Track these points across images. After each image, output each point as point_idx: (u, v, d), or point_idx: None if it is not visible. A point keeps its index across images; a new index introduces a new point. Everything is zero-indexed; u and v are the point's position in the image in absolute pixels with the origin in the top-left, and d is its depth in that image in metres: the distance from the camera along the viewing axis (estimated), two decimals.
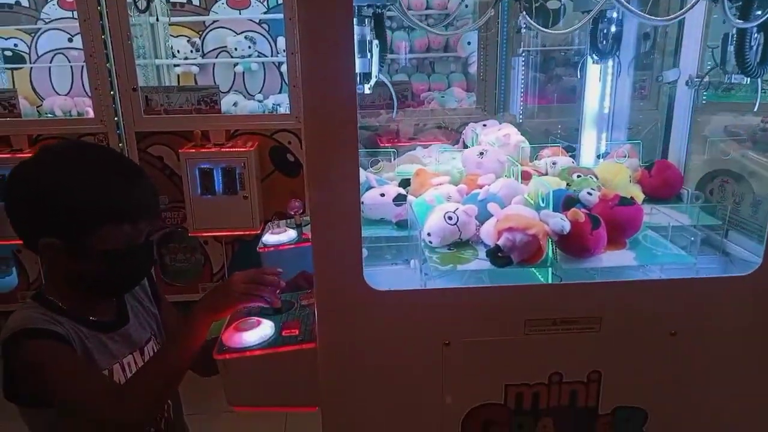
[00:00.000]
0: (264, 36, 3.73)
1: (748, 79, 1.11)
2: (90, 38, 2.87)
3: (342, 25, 0.91)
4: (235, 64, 3.73)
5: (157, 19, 3.48)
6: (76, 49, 3.42)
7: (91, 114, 3.07)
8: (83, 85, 3.49)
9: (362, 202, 1.25)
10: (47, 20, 3.55)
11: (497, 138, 1.50)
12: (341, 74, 0.94)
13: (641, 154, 1.57)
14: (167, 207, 3.15)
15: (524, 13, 1.49)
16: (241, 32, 3.70)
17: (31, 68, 3.62)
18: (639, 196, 1.33)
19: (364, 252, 1.03)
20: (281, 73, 3.78)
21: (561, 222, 1.07)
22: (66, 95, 3.57)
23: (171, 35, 3.63)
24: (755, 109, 1.19)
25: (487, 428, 1.12)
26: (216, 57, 3.74)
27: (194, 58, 3.67)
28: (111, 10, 2.82)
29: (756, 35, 1.08)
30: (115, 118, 2.99)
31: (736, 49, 1.07)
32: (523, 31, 2.54)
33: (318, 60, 0.93)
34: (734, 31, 1.09)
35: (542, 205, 1.17)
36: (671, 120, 1.67)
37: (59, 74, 3.62)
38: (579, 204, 1.18)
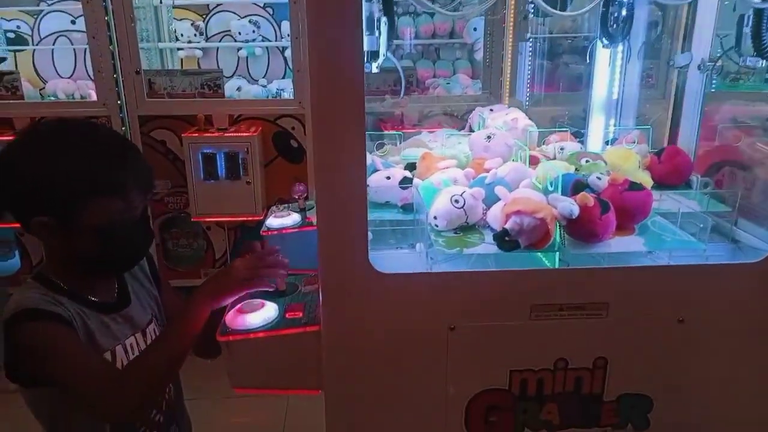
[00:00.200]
0: (268, 20, 3.69)
1: (764, 62, 1.09)
2: (93, 20, 2.84)
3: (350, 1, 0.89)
4: (239, 49, 3.70)
5: (161, 2, 3.45)
6: (79, 31, 3.39)
7: (94, 97, 3.05)
8: (86, 68, 3.46)
9: (367, 185, 1.24)
10: (50, 2, 3.52)
11: (505, 122, 1.48)
12: (349, 54, 0.92)
13: (650, 141, 1.55)
14: (170, 192, 3.13)
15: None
16: (245, 16, 3.67)
17: (34, 50, 3.59)
18: (648, 182, 1.31)
19: (369, 235, 1.02)
20: (285, 58, 3.75)
21: (570, 206, 1.05)
22: (69, 78, 3.55)
23: (174, 18, 3.60)
24: None
25: (491, 414, 1.12)
26: (220, 41, 3.71)
27: (198, 42, 3.63)
28: None
29: None
30: (118, 102, 2.96)
31: (753, 31, 1.04)
32: (531, 16, 2.50)
33: (326, 39, 0.92)
34: (751, 12, 1.06)
35: (551, 189, 1.15)
36: (678, 109, 1.64)
37: (62, 57, 3.59)
38: (588, 188, 1.16)
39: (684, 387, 1.12)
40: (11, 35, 3.54)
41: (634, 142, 1.48)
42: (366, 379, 1.08)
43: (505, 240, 1.07)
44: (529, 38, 2.46)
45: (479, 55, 3.54)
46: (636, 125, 1.71)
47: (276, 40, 3.71)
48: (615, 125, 1.72)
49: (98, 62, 2.89)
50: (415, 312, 1.05)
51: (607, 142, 1.66)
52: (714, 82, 1.50)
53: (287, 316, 1.09)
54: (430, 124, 3.07)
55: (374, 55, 1.16)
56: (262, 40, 3.68)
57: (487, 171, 1.27)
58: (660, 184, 1.36)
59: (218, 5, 3.62)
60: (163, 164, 3.07)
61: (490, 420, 1.11)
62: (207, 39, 3.69)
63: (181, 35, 3.60)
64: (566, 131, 1.57)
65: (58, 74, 3.58)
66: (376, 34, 1.14)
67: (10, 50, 3.53)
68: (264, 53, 3.76)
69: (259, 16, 3.68)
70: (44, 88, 3.48)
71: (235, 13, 3.67)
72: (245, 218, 3.08)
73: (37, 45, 3.58)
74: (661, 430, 1.14)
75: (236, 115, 3.05)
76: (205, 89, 3.01)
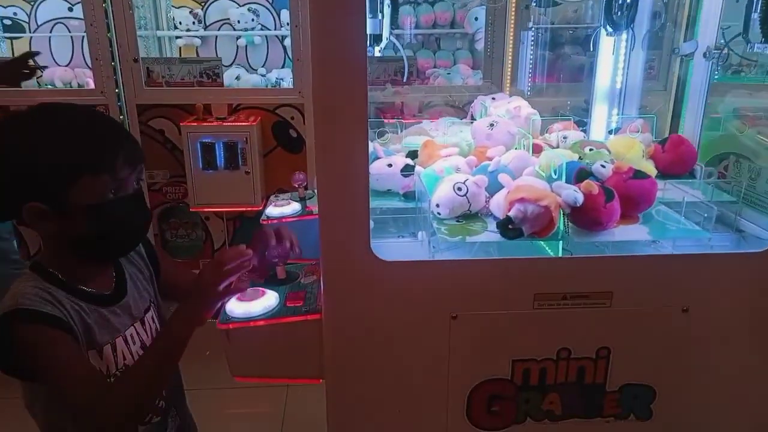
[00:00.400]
0: (267, 8, 3.65)
1: None
2: (91, 7, 2.80)
3: None
4: (238, 37, 3.66)
5: None
6: (77, 18, 3.35)
7: (92, 85, 3.02)
8: (84, 56, 3.43)
9: (369, 173, 1.22)
10: None
11: (507, 110, 1.47)
12: (352, 39, 0.90)
13: (654, 130, 1.53)
14: (168, 181, 3.11)
15: None
16: (244, 4, 3.62)
17: (31, 38, 3.55)
18: (652, 171, 1.30)
19: (371, 224, 1.01)
20: (284, 47, 3.72)
21: (574, 194, 1.04)
22: (66, 66, 3.51)
23: (173, 6, 3.56)
24: None
25: (493, 403, 1.11)
26: (218, 29, 3.67)
27: (196, 30, 3.60)
28: None
29: None
30: (116, 90, 2.94)
31: (762, 17, 1.03)
32: (533, 4, 2.48)
33: (329, 23, 0.90)
34: None
35: (554, 177, 1.14)
36: (679, 100, 1.63)
37: (59, 44, 3.55)
38: (592, 177, 1.15)
39: (687, 377, 1.12)
40: (8, 22, 3.50)
41: (638, 131, 1.46)
42: (367, 367, 1.08)
43: (508, 228, 1.06)
44: (531, 27, 2.44)
45: (480, 45, 3.51)
46: (639, 113, 1.70)
47: (275, 29, 3.68)
48: (618, 115, 1.71)
49: (96, 50, 2.85)
50: (416, 300, 1.04)
51: (610, 132, 1.65)
52: (717, 73, 1.48)
53: (288, 304, 1.08)
54: (431, 114, 3.05)
55: (377, 38, 1.14)
56: (262, 29, 3.64)
57: (490, 159, 1.26)
58: (664, 174, 1.35)
59: None
60: (162, 154, 3.04)
61: (492, 409, 1.11)
62: (206, 27, 3.65)
63: (180, 23, 3.56)
64: (569, 120, 1.56)
65: (56, 62, 3.54)
66: (380, 17, 1.12)
67: (6, 37, 3.49)
68: (263, 42, 3.73)
69: (259, 4, 3.64)
70: (41, 76, 3.44)
71: (234, 1, 3.63)
72: (244, 208, 3.07)
73: (34, 32, 3.53)
74: (663, 421, 1.13)
75: (235, 104, 3.03)
76: (203, 78, 2.98)
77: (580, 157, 1.29)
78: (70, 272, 1.02)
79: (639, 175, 1.14)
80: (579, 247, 1.11)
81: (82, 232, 0.97)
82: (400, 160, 1.30)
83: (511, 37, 2.76)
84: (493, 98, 1.66)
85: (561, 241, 1.10)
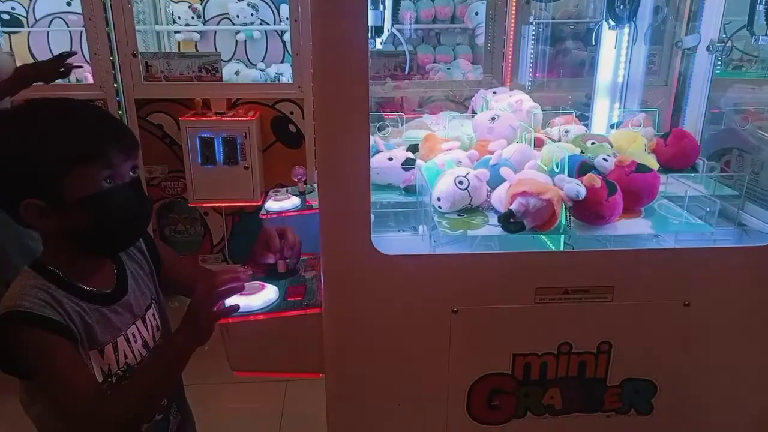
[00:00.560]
0: (267, 3, 3.64)
1: None
2: (89, 2, 2.79)
3: None
4: (237, 32, 3.65)
5: None
6: (75, 13, 3.34)
7: (90, 80, 3.01)
8: (82, 51, 3.41)
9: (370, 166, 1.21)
10: None
11: (509, 104, 1.46)
12: (354, 31, 0.89)
13: (656, 124, 1.53)
14: (166, 177, 3.11)
15: None
16: None
17: (29, 32, 3.54)
18: (654, 165, 1.29)
19: (371, 218, 1.00)
20: (284, 42, 3.71)
21: (576, 187, 1.03)
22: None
23: (171, 0, 3.54)
24: None
25: (493, 398, 1.10)
26: (217, 24, 3.65)
27: (195, 25, 3.58)
28: None
29: None
30: (114, 85, 2.93)
31: (767, 9, 1.02)
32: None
33: (329, 16, 0.89)
34: None
35: (556, 170, 1.13)
36: (681, 95, 1.62)
37: (57, 39, 3.53)
38: (594, 170, 1.14)
39: (688, 372, 1.11)
40: (6, 17, 3.48)
41: (640, 125, 1.45)
42: (367, 362, 1.07)
43: (510, 221, 1.05)
44: (532, 22, 2.42)
45: (480, 40, 3.50)
46: (640, 107, 1.69)
47: (275, 24, 3.66)
48: (620, 109, 1.70)
49: (94, 44, 2.85)
50: (417, 294, 1.03)
51: (612, 126, 1.64)
52: (718, 68, 1.47)
53: (288, 298, 1.08)
54: (431, 109, 3.04)
55: (378, 30, 1.12)
56: (261, 24, 3.63)
57: (491, 153, 1.25)
58: (666, 168, 1.34)
59: None
60: (160, 148, 3.04)
61: (492, 404, 1.10)
62: (205, 22, 3.63)
63: (179, 18, 3.55)
64: (571, 114, 1.55)
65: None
66: (381, 9, 1.11)
67: (4, 32, 3.47)
68: (262, 37, 3.71)
69: None
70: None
71: None
72: (243, 204, 3.06)
73: (32, 27, 3.52)
74: (664, 416, 1.13)
75: (234, 99, 3.02)
76: (202, 72, 2.97)
77: (582, 151, 1.29)
78: (70, 270, 1.01)
79: (641, 168, 1.13)
80: (581, 241, 1.10)
81: (81, 226, 0.96)
82: (401, 154, 1.29)
83: (512, 32, 2.74)
84: (494, 92, 1.65)
85: (563, 235, 1.10)
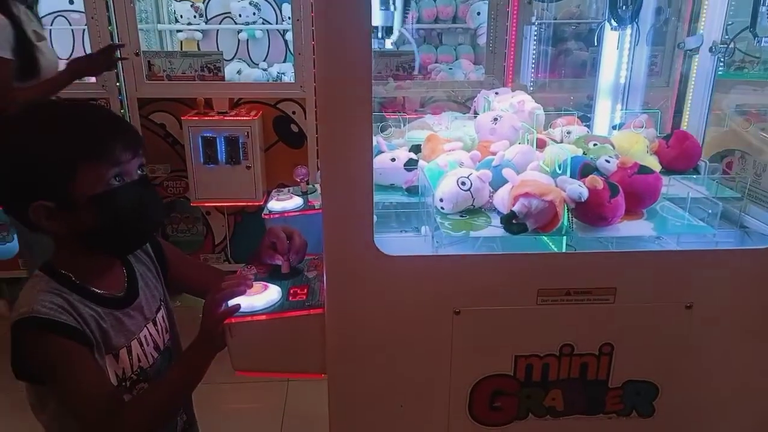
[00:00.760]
0: (269, 2, 3.64)
1: None
2: (92, 0, 2.80)
3: None
4: (239, 31, 3.65)
5: None
6: (78, 11, 3.34)
7: (93, 78, 3.01)
8: (84, 49, 3.42)
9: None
10: None
11: (511, 104, 1.46)
12: (356, 29, 0.89)
13: (658, 126, 1.53)
14: (169, 176, 3.11)
15: None
16: None
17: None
18: (656, 166, 1.29)
19: (374, 218, 1.00)
20: (286, 41, 3.71)
21: (579, 189, 1.03)
22: (67, 59, 3.50)
23: None
24: None
25: (495, 399, 1.11)
26: (220, 23, 3.66)
27: (197, 24, 3.59)
28: None
29: None
30: (117, 84, 2.93)
31: None
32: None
33: (332, 17, 0.89)
34: None
35: (559, 171, 1.13)
36: (682, 96, 1.62)
37: (60, 37, 3.54)
38: (596, 172, 1.14)
39: (690, 374, 1.11)
40: None
41: (642, 127, 1.45)
42: (370, 362, 1.07)
43: (512, 223, 1.05)
44: (534, 22, 2.43)
45: (482, 41, 3.50)
46: (642, 110, 1.69)
47: (277, 23, 3.67)
48: (622, 110, 1.70)
49: (97, 43, 2.85)
50: (419, 295, 1.04)
51: (614, 127, 1.64)
52: (720, 69, 1.47)
53: (291, 298, 1.08)
54: (433, 109, 3.04)
55: (388, 30, 1.13)
56: (263, 23, 3.64)
57: (493, 154, 1.25)
58: (668, 169, 1.34)
59: None
60: (163, 148, 3.04)
61: (494, 405, 1.10)
62: (207, 21, 3.64)
63: (181, 17, 3.56)
64: (573, 115, 1.55)
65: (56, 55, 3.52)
66: (391, 9, 1.11)
67: None
68: (264, 36, 3.72)
69: None
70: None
71: None
72: (245, 203, 3.07)
73: None
74: (666, 418, 1.13)
75: (236, 98, 3.02)
76: (205, 72, 2.98)
77: (584, 152, 1.29)
78: (82, 273, 1.01)
79: (644, 170, 1.13)
80: (583, 243, 1.10)
81: (92, 225, 0.95)
82: (404, 155, 1.29)
83: (514, 33, 2.75)
84: (497, 93, 1.65)
85: (565, 237, 1.10)
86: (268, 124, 3.05)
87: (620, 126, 1.62)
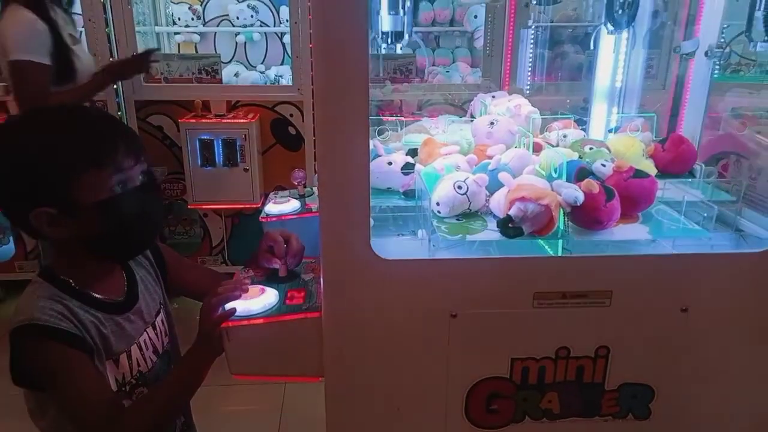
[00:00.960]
0: (266, 5, 3.65)
1: None
2: (89, 2, 2.80)
3: None
4: (237, 34, 3.66)
5: None
6: (75, 13, 3.33)
7: None
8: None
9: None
10: None
11: (508, 108, 1.47)
12: (353, 34, 0.90)
13: (654, 129, 1.53)
14: (166, 178, 3.11)
15: None
16: (243, 0, 3.62)
17: None
18: (652, 170, 1.30)
19: (371, 222, 1.01)
20: (283, 44, 3.72)
21: (574, 193, 1.04)
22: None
23: (171, 2, 3.55)
24: None
25: (491, 402, 1.11)
26: (217, 25, 3.67)
27: (195, 26, 3.59)
28: None
29: None
30: (114, 86, 2.93)
31: (765, 15, 1.03)
32: (533, 2, 2.47)
33: (330, 18, 0.89)
34: None
35: (555, 175, 1.14)
36: (678, 100, 1.63)
37: None
38: (592, 175, 1.14)
39: (686, 377, 1.12)
40: None
41: (638, 130, 1.46)
42: (366, 366, 1.07)
43: (508, 226, 1.06)
44: (531, 26, 2.44)
45: (479, 44, 3.51)
46: (638, 112, 1.70)
47: (274, 26, 3.68)
48: (618, 114, 1.71)
49: (94, 45, 2.85)
50: (416, 299, 1.04)
51: (610, 131, 1.65)
52: (716, 73, 1.48)
53: (288, 302, 1.08)
54: (430, 112, 3.05)
55: (398, 35, 1.14)
56: (261, 25, 3.65)
57: (490, 157, 1.25)
58: (664, 173, 1.35)
59: None
60: (160, 150, 3.04)
61: (490, 408, 1.11)
62: (204, 23, 3.65)
63: (178, 19, 3.56)
64: (569, 119, 1.55)
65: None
66: (401, 14, 1.12)
67: None
68: (262, 38, 3.73)
69: (258, 0, 3.64)
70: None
71: None
72: (242, 206, 3.07)
73: None
74: (661, 420, 1.13)
75: (234, 101, 3.03)
76: (202, 74, 2.98)
77: (580, 156, 1.29)
78: (82, 279, 1.01)
79: (639, 174, 1.14)
80: (579, 246, 1.11)
81: (95, 231, 0.95)
82: (401, 158, 1.30)
83: (510, 36, 2.76)
84: (493, 96, 1.66)
85: (561, 240, 1.10)
86: (266, 127, 3.06)
87: (616, 129, 1.63)
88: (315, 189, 1.47)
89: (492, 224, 1.12)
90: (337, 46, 0.90)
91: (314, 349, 1.05)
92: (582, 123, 1.67)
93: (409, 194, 1.27)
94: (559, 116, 1.58)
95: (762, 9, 1.04)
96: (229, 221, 3.22)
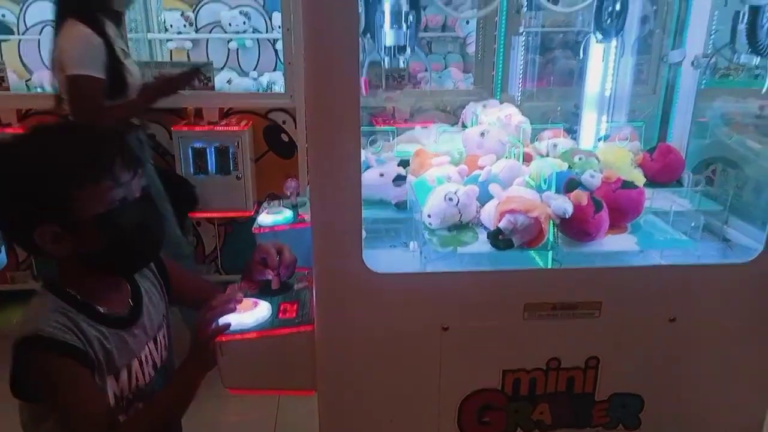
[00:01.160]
0: (259, 11, 3.65)
1: (758, 58, 1.09)
2: None
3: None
4: (229, 40, 3.66)
5: None
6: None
7: None
8: None
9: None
10: None
11: (498, 118, 1.48)
12: (344, 51, 0.90)
13: (642, 137, 1.55)
14: None
15: None
16: (236, 7, 3.62)
17: (20, 40, 3.52)
18: (640, 179, 1.31)
19: (363, 234, 1.01)
20: (276, 51, 3.72)
21: (563, 205, 1.05)
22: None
23: (164, 8, 3.55)
24: (763, 91, 1.16)
25: (483, 413, 1.12)
26: (210, 32, 3.66)
27: (187, 33, 3.59)
28: None
29: None
30: None
31: (748, 28, 1.04)
32: (524, 10, 2.49)
33: (320, 37, 0.90)
34: (746, 8, 1.06)
35: (544, 187, 1.15)
36: (669, 104, 1.64)
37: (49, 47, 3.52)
38: (581, 186, 1.16)
39: (675, 386, 1.13)
40: None
41: (627, 139, 1.47)
42: (359, 379, 1.08)
43: (498, 239, 1.07)
44: (522, 32, 2.45)
45: (471, 49, 3.53)
46: (628, 121, 1.72)
47: (267, 32, 3.68)
48: (607, 121, 1.72)
49: None
50: (408, 312, 1.05)
51: (599, 139, 1.66)
52: (704, 80, 1.50)
53: (281, 315, 1.08)
54: (423, 118, 3.06)
55: (401, 49, 1.15)
56: (253, 32, 3.64)
57: (481, 168, 1.26)
58: (652, 182, 1.36)
59: None
60: (153, 158, 3.03)
61: (482, 420, 1.12)
62: (197, 30, 3.64)
63: (171, 26, 3.55)
64: (559, 128, 1.57)
65: (45, 65, 3.51)
66: (404, 28, 1.13)
67: None
68: (254, 45, 3.73)
69: (250, 7, 3.64)
70: (30, 79, 3.42)
71: (225, 3, 3.63)
72: (236, 214, 3.06)
73: (23, 34, 3.51)
74: (651, 430, 1.15)
75: (227, 108, 3.02)
76: (195, 81, 2.97)
77: (569, 166, 1.30)
78: (87, 293, 1.01)
79: (627, 185, 1.15)
80: (569, 257, 1.12)
81: (97, 246, 0.96)
82: (392, 170, 1.30)
83: (503, 42, 2.77)
84: (484, 105, 1.67)
85: (551, 252, 1.11)
86: (259, 134, 3.05)
87: (606, 138, 1.64)
88: (307, 199, 1.48)
89: (483, 235, 1.13)
90: (328, 63, 0.91)
91: (307, 362, 1.05)
92: (572, 132, 1.69)
93: (400, 206, 1.28)
94: (549, 126, 1.59)
95: (744, 22, 1.05)
96: (222, 229, 3.21)
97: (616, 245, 1.13)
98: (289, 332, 1.05)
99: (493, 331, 1.07)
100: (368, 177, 1.29)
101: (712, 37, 1.42)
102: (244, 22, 3.60)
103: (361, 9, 1.29)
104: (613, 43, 1.65)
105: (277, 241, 1.23)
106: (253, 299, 1.12)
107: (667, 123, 1.65)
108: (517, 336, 1.08)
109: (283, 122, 3.04)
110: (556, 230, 1.09)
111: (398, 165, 1.38)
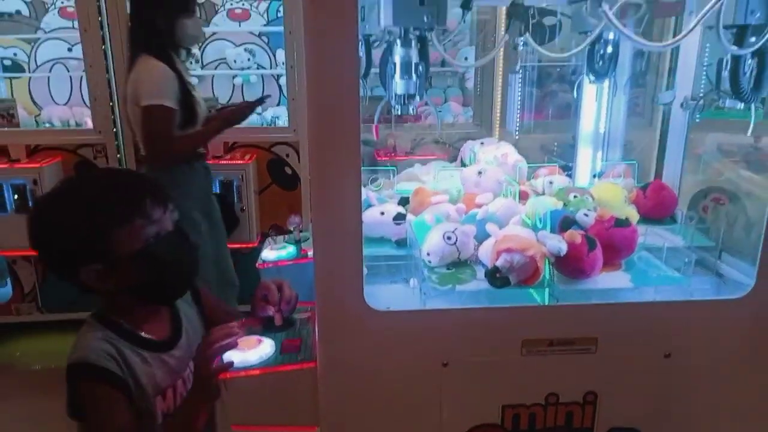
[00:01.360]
0: (263, 48, 3.75)
1: (742, 104, 1.14)
2: (90, 48, 2.88)
3: (347, 39, 0.92)
4: (234, 76, 3.75)
5: None
6: (76, 59, 3.42)
7: (90, 124, 3.08)
8: (82, 95, 3.49)
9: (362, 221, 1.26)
10: (47, 30, 3.56)
11: (495, 157, 1.52)
12: (345, 91, 0.95)
13: (636, 173, 1.59)
14: None
15: (527, 33, 1.52)
16: (241, 44, 3.72)
17: (30, 78, 3.62)
18: (634, 216, 1.35)
19: (364, 270, 1.05)
20: (280, 86, 3.80)
21: (558, 244, 1.09)
22: (65, 105, 3.57)
23: None
24: (749, 134, 1.21)
25: None
26: (215, 68, 3.76)
27: (193, 69, 3.67)
28: (112, 20, 2.84)
29: (750, 61, 1.10)
30: (114, 129, 2.99)
31: (731, 75, 1.09)
32: (521, 47, 2.56)
33: (323, 77, 0.94)
34: (729, 56, 1.11)
35: (540, 225, 1.19)
36: (666, 135, 1.69)
37: (58, 84, 3.61)
38: (575, 225, 1.19)
39: (671, 420, 1.15)
40: (8, 62, 3.57)
41: (621, 176, 1.52)
42: (361, 415, 1.10)
43: (496, 277, 1.10)
44: (518, 70, 2.52)
45: (470, 84, 3.61)
46: (623, 155, 1.76)
47: (271, 68, 3.77)
48: (602, 158, 1.77)
49: (95, 90, 2.92)
50: (408, 348, 1.07)
51: (594, 176, 1.71)
52: (698, 117, 1.54)
53: (284, 352, 1.11)
54: (422, 151, 3.12)
55: (411, 97, 1.21)
56: (258, 68, 3.74)
57: (479, 206, 1.30)
58: (646, 218, 1.40)
59: (214, 33, 3.67)
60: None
61: None
62: (203, 66, 3.74)
63: None
64: (555, 165, 1.61)
65: (54, 101, 3.60)
66: (414, 78, 1.19)
67: (6, 77, 3.56)
68: (259, 81, 3.81)
69: (255, 44, 3.74)
70: (39, 114, 3.50)
71: (230, 41, 3.73)
72: (240, 245, 3.09)
73: (33, 72, 3.60)
74: None
75: (231, 142, 3.09)
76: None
77: (564, 204, 1.34)
78: (131, 320, 1.10)
79: (620, 223, 1.19)
80: (565, 294, 1.15)
81: (135, 280, 1.04)
82: (392, 208, 1.35)
83: (501, 78, 2.84)
84: (482, 143, 1.72)
85: (547, 289, 1.14)
86: (262, 167, 3.11)
87: (601, 174, 1.69)
88: (310, 234, 1.51)
89: (481, 273, 1.16)
90: (330, 95, 0.95)
91: (310, 398, 1.08)
92: (568, 168, 1.73)
93: (401, 243, 1.32)
94: (546, 164, 1.64)
95: (728, 69, 1.10)
96: None
97: (610, 282, 1.16)
98: (291, 369, 1.07)
99: (492, 367, 1.09)
100: (369, 215, 1.33)
101: (705, 69, 1.47)
102: (249, 59, 3.69)
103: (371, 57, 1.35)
104: (606, 82, 1.71)
105: (277, 278, 1.27)
106: (257, 337, 1.14)
107: (664, 153, 1.69)
108: (515, 371, 1.10)
109: (287, 155, 3.10)
110: (551, 268, 1.12)
111: (399, 202, 1.43)
